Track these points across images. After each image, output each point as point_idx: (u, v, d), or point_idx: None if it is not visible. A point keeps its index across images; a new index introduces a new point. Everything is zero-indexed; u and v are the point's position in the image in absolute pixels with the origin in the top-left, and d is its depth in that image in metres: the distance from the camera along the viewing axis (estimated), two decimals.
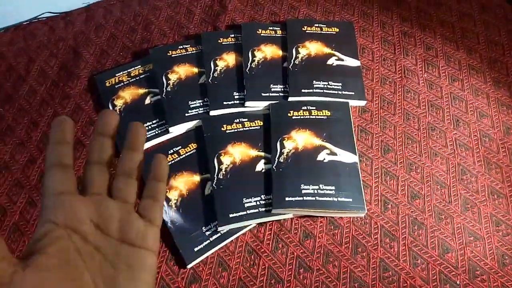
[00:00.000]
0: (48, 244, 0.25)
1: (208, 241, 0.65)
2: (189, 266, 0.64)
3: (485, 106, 0.77)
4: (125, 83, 0.85)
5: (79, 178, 0.29)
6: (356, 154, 0.70)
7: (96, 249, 0.27)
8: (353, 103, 0.78)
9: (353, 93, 0.78)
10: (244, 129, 0.75)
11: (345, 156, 0.70)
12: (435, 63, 0.83)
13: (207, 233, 0.66)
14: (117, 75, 0.86)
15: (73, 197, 0.27)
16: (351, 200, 0.66)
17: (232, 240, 0.66)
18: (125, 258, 0.27)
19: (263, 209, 0.66)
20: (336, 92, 0.78)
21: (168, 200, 0.69)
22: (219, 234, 0.66)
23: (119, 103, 0.82)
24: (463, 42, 0.85)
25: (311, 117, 0.75)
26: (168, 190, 0.70)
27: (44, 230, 0.26)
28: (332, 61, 0.82)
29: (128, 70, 0.86)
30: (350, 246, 0.64)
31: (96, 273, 0.26)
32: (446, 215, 0.66)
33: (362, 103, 0.78)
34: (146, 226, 0.29)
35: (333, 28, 0.88)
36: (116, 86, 0.84)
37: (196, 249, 0.64)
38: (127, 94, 0.83)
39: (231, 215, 0.65)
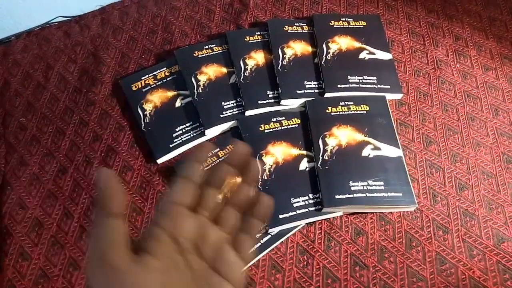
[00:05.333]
0: (154, 246, 0.27)
1: (259, 244, 0.64)
2: None
3: None
4: (152, 86, 0.82)
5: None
6: (399, 148, 0.70)
7: (188, 266, 0.27)
8: (389, 96, 0.77)
9: (388, 87, 0.78)
10: (282, 128, 0.74)
11: (389, 151, 0.69)
12: (466, 53, 0.83)
13: (257, 236, 0.64)
14: (142, 78, 0.83)
15: (184, 210, 0.29)
16: (401, 194, 0.65)
17: (282, 242, 0.65)
18: (209, 285, 0.28)
19: (313, 208, 0.65)
20: (372, 86, 0.78)
21: None
22: (269, 236, 0.64)
23: (148, 107, 0.80)
24: (491, 30, 0.85)
25: (350, 112, 0.74)
26: None
27: (152, 231, 0.28)
28: (364, 55, 0.82)
29: (154, 73, 0.84)
30: (403, 241, 0.63)
31: None
32: (496, 205, 0.65)
33: (398, 96, 0.78)
34: (237, 260, 0.29)
35: (360, 22, 0.87)
36: (143, 90, 0.82)
37: None
38: (156, 98, 0.81)
39: (280, 216, 0.64)
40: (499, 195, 0.66)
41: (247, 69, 0.81)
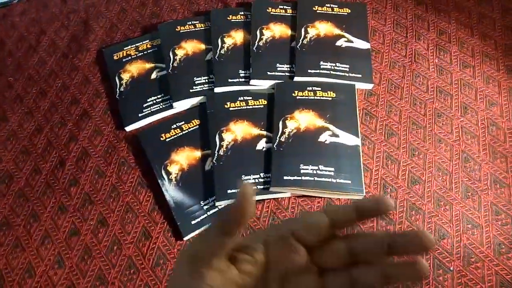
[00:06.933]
0: (247, 266, 0.27)
1: (206, 215, 0.66)
2: (185, 238, 0.65)
3: (496, 94, 0.75)
4: (132, 57, 0.85)
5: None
6: (358, 137, 0.70)
7: None
8: (359, 85, 0.77)
9: (360, 76, 0.77)
10: (248, 107, 0.75)
11: (347, 139, 0.70)
12: (447, 49, 0.80)
13: (205, 207, 0.67)
14: (125, 49, 0.86)
15: (298, 245, 0.27)
16: (350, 182, 0.66)
17: None
18: None
19: (261, 186, 0.67)
20: (343, 74, 0.77)
21: (168, 174, 0.70)
22: (216, 209, 0.66)
23: (125, 76, 0.82)
24: (478, 28, 0.83)
25: (315, 98, 0.74)
26: (169, 164, 0.70)
27: (255, 247, 0.27)
28: (341, 42, 0.81)
29: (136, 45, 0.87)
30: (346, 228, 0.64)
31: None
32: (445, 202, 0.65)
33: (369, 86, 0.77)
34: None
35: (344, 9, 0.86)
36: (123, 60, 0.84)
37: (193, 222, 0.65)
38: (134, 68, 0.83)
39: (229, 191, 0.66)
40: (450, 192, 0.66)
41: (223, 47, 0.82)
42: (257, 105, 0.76)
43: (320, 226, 0.26)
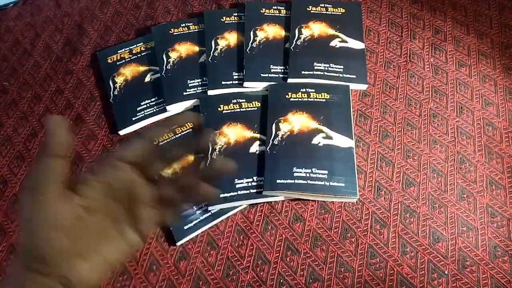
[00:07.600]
0: (84, 189, 0.31)
1: (198, 219, 0.66)
2: (178, 244, 0.64)
3: (492, 94, 0.73)
4: (126, 60, 0.85)
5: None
6: (352, 139, 0.69)
7: (110, 209, 0.32)
8: (354, 86, 0.76)
9: (354, 77, 0.76)
10: (241, 110, 0.75)
11: (341, 141, 0.69)
12: (443, 48, 0.79)
13: (198, 212, 0.66)
14: (119, 52, 0.86)
15: (119, 163, 0.32)
16: (343, 185, 0.65)
17: (222, 220, 0.66)
18: (118, 230, 0.32)
19: (254, 190, 0.66)
20: (337, 75, 0.76)
21: None
22: (209, 214, 0.66)
23: (119, 80, 0.82)
24: (474, 26, 0.81)
25: (309, 99, 0.73)
26: None
27: (85, 177, 0.32)
28: (335, 42, 0.80)
29: (130, 47, 0.86)
30: (339, 231, 0.63)
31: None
32: (440, 204, 0.64)
33: (363, 86, 0.76)
34: (151, 222, 0.34)
35: (339, 8, 0.85)
36: (117, 63, 0.84)
37: (186, 227, 0.65)
38: (128, 71, 0.83)
39: (222, 195, 0.66)
40: (445, 194, 0.65)
41: (217, 49, 0.82)
42: (251, 107, 0.75)
43: (138, 148, 0.33)
